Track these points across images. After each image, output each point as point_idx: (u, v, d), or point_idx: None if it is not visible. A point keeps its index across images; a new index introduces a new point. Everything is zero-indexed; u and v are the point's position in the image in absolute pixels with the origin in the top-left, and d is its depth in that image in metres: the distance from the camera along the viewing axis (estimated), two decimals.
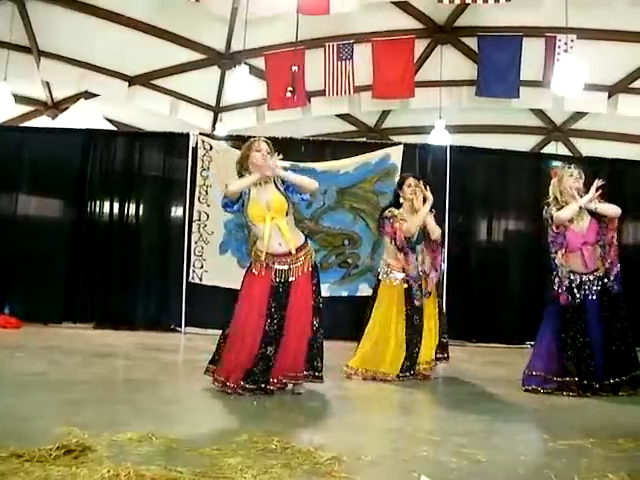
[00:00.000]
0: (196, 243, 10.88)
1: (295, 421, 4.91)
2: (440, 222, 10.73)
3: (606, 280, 6.61)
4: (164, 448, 3.86)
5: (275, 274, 5.85)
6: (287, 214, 5.98)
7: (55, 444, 3.65)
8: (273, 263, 5.87)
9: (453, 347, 10.53)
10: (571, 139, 18.30)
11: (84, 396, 5.44)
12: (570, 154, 16.83)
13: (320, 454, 3.80)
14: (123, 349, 8.76)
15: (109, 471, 3.33)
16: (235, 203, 5.96)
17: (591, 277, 6.59)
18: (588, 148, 16.84)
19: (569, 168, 6.73)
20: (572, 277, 6.60)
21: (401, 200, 7.25)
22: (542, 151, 17.52)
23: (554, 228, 6.65)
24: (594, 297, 6.56)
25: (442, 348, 7.45)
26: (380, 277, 7.32)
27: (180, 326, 10.79)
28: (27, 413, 4.66)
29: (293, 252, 5.89)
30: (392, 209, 7.22)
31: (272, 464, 3.61)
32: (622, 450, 4.22)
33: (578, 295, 6.56)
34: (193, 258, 10.85)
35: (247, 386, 5.65)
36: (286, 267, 5.87)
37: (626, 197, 11.74)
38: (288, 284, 5.85)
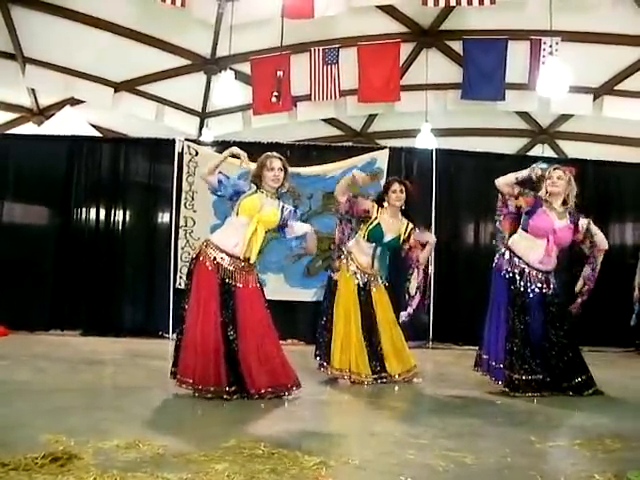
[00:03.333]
0: (182, 249, 10.88)
1: (282, 426, 4.90)
2: (427, 225, 10.86)
3: (552, 285, 6.61)
4: (151, 455, 3.85)
5: (221, 271, 5.86)
6: (267, 232, 6.10)
7: (41, 452, 3.65)
8: (222, 259, 5.88)
9: (439, 350, 10.65)
10: (557, 141, 18.33)
11: (70, 404, 5.42)
12: (556, 156, 16.85)
13: (307, 459, 3.80)
14: (110, 356, 8.73)
15: (95, 478, 3.33)
16: (229, 190, 5.99)
17: (540, 275, 6.56)
18: (574, 150, 16.86)
19: (554, 170, 6.70)
20: (516, 261, 6.58)
21: (385, 204, 7.24)
22: (528, 154, 17.54)
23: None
24: (535, 294, 6.53)
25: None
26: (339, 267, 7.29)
27: (168, 332, 10.75)
28: (12, 421, 4.64)
29: (244, 257, 5.92)
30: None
31: (259, 469, 3.61)
32: (609, 451, 4.23)
33: (521, 284, 6.55)
34: (180, 264, 10.82)
35: (225, 389, 5.71)
36: (232, 268, 5.88)
37: (611, 198, 11.85)
38: (232, 286, 5.87)
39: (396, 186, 7.23)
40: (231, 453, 3.90)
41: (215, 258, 5.87)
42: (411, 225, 7.30)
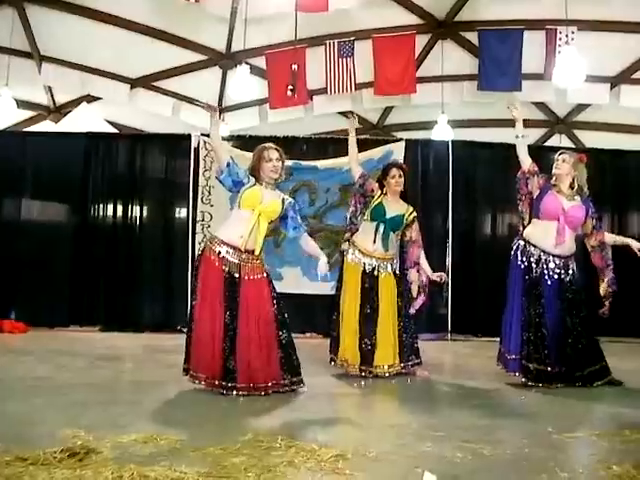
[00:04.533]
0: (200, 244, 10.87)
1: (299, 419, 4.91)
2: (444, 217, 10.82)
3: (573, 268, 6.59)
4: (168, 449, 3.86)
5: (226, 264, 5.84)
6: (271, 222, 6.10)
7: (59, 447, 3.66)
8: (227, 252, 5.86)
9: (459, 342, 10.63)
10: (574, 131, 18.22)
11: (89, 399, 5.45)
12: (574, 146, 16.74)
13: (324, 451, 3.80)
14: (129, 351, 8.78)
15: (113, 473, 3.34)
16: (228, 178, 5.98)
17: (558, 261, 6.53)
18: (592, 140, 16.77)
19: (559, 154, 6.73)
20: (532, 250, 6.57)
21: (385, 189, 7.22)
22: (545, 144, 17.44)
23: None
24: (554, 280, 6.51)
25: (416, 353, 7.21)
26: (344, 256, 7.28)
27: (186, 327, 10.78)
28: (31, 417, 4.68)
29: (250, 249, 5.90)
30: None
31: (276, 462, 3.62)
32: (627, 442, 4.21)
33: (536, 271, 6.53)
34: None
35: (229, 384, 5.69)
36: (236, 261, 5.85)
37: (629, 187, 11.77)
38: (238, 279, 5.83)
39: (395, 171, 7.21)
40: (248, 446, 3.91)
41: (220, 252, 5.84)
42: (414, 212, 7.29)
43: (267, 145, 6.15)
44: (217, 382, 5.72)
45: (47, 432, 4.14)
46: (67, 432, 4.06)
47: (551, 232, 6.51)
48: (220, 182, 6.15)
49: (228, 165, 5.95)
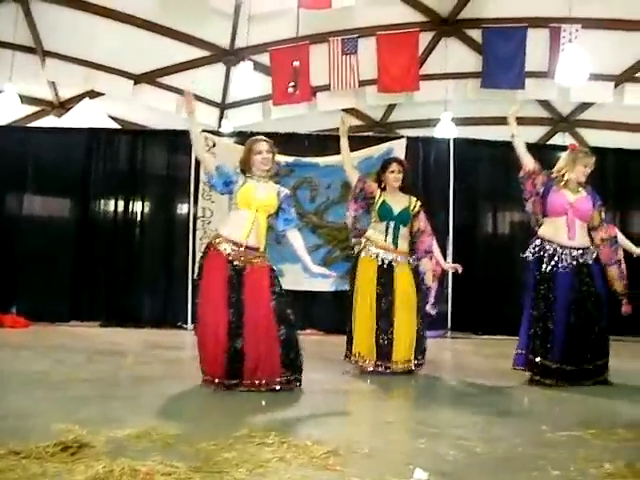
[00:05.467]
0: (201, 240, 10.93)
1: (294, 415, 4.92)
2: (445, 214, 10.83)
3: (590, 260, 6.57)
4: (162, 444, 3.86)
5: (229, 262, 5.82)
6: (269, 216, 6.05)
7: (53, 441, 3.66)
8: (231, 250, 5.84)
9: (459, 340, 10.63)
10: (578, 130, 18.21)
11: (86, 393, 5.46)
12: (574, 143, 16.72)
13: (317, 448, 3.79)
14: (128, 347, 8.78)
15: (104, 467, 3.33)
16: (219, 181, 5.98)
17: (574, 252, 6.51)
18: (595, 138, 16.77)
19: (589, 156, 6.69)
20: (547, 246, 6.56)
21: (384, 185, 7.22)
22: (549, 142, 17.43)
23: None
24: (567, 272, 6.48)
25: (423, 353, 7.18)
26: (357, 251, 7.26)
27: (186, 323, 10.83)
28: (28, 411, 4.68)
29: (255, 247, 5.89)
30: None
31: (268, 458, 3.61)
32: (621, 440, 4.21)
33: (550, 265, 6.51)
34: (198, 255, 10.85)
35: (231, 382, 5.70)
36: (242, 258, 5.84)
37: (632, 187, 11.76)
38: (241, 276, 5.82)
39: (394, 166, 7.20)
40: (241, 442, 3.91)
41: (226, 249, 5.85)
42: (419, 202, 7.27)
43: (257, 137, 6.17)
44: (220, 381, 5.71)
45: (42, 426, 4.13)
46: (61, 426, 4.05)
47: (562, 227, 6.52)
48: (212, 187, 6.17)
49: (217, 168, 5.98)
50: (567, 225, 6.50)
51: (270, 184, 6.12)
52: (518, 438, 4.23)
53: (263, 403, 5.27)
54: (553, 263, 6.47)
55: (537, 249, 6.57)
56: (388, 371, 6.91)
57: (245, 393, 5.58)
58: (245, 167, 6.06)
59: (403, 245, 7.16)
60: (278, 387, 5.71)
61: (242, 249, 5.84)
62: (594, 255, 6.60)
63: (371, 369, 6.92)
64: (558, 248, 6.50)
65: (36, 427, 4.15)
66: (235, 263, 5.81)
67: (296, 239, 6.30)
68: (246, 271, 5.83)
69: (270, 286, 5.90)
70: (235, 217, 5.98)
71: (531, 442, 4.14)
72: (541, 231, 6.65)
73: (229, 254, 5.82)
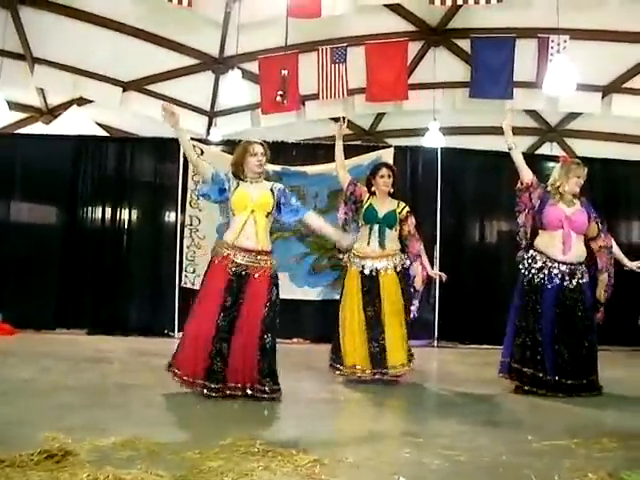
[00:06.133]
0: (188, 248, 10.93)
1: (279, 424, 4.93)
2: (432, 223, 10.85)
3: (580, 276, 6.58)
4: (146, 452, 3.86)
5: (232, 265, 5.83)
6: (268, 215, 6.02)
7: (37, 449, 3.65)
8: (234, 255, 5.85)
9: (445, 349, 10.64)
10: (566, 139, 18.28)
11: (71, 402, 5.45)
12: (564, 154, 16.79)
13: (302, 457, 3.81)
14: (115, 354, 8.75)
15: (89, 475, 3.35)
16: (214, 188, 5.98)
17: (563, 267, 6.54)
18: (583, 148, 16.82)
19: (581, 167, 6.71)
20: (537, 258, 6.58)
21: (374, 189, 7.25)
22: (537, 152, 17.49)
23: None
24: (554, 287, 6.49)
25: (410, 358, 7.17)
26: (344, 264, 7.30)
27: (173, 331, 10.80)
28: (12, 419, 4.67)
29: (257, 249, 5.89)
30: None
31: (253, 467, 3.62)
32: (605, 450, 4.23)
33: (538, 278, 6.53)
34: (185, 263, 10.90)
35: (211, 385, 5.68)
36: (244, 262, 5.84)
37: (619, 197, 11.82)
38: (243, 281, 5.82)
39: (384, 171, 7.26)
40: (227, 451, 3.91)
41: (229, 255, 5.85)
42: (407, 207, 7.28)
43: (251, 140, 6.20)
44: (198, 381, 5.71)
45: (27, 434, 4.13)
46: (46, 434, 4.06)
47: (557, 240, 6.55)
48: (205, 197, 6.18)
49: (213, 176, 5.98)
50: (563, 239, 6.53)
51: (263, 183, 6.14)
52: (503, 447, 4.25)
53: (265, 413, 5.28)
54: (542, 276, 6.50)
55: (529, 260, 6.61)
56: (386, 377, 6.93)
57: (230, 402, 5.57)
58: (238, 169, 6.06)
59: (392, 246, 7.18)
60: (259, 394, 5.70)
61: (247, 253, 5.86)
62: (585, 272, 6.62)
63: (369, 378, 6.93)
64: (548, 262, 6.53)
65: (21, 435, 4.15)
66: (237, 269, 5.82)
67: (313, 220, 6.33)
68: (249, 278, 5.83)
69: (267, 294, 5.90)
70: (235, 222, 5.97)
71: (515, 451, 4.16)
72: (536, 241, 6.69)
73: (232, 259, 5.83)
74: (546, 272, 6.50)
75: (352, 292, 7.11)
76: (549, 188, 6.68)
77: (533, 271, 6.54)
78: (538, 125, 17.94)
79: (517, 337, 6.56)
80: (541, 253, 6.58)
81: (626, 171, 11.93)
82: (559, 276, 6.49)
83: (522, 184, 6.72)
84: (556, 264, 6.52)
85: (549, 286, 6.49)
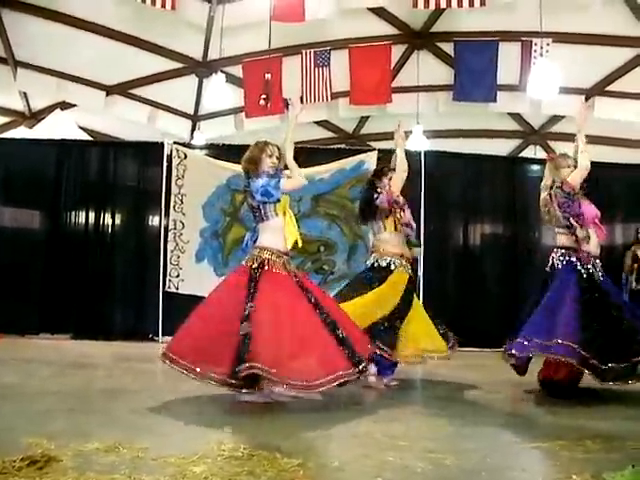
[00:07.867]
0: (172, 252, 10.92)
1: (264, 428, 4.90)
2: (415, 227, 10.86)
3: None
4: (130, 457, 3.83)
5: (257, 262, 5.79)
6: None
7: (20, 455, 3.63)
8: (270, 256, 5.82)
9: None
10: (549, 142, 18.34)
11: (55, 407, 5.41)
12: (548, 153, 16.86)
13: (286, 461, 3.78)
14: (99, 359, 8.74)
15: None
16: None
17: (597, 261, 6.56)
18: (566, 151, 16.79)
19: (567, 156, 6.81)
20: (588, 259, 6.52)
21: (379, 190, 7.22)
22: (520, 155, 17.57)
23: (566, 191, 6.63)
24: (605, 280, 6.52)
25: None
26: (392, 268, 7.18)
27: (158, 335, 10.78)
28: None
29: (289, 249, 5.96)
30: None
31: (237, 472, 3.60)
32: (589, 452, 4.22)
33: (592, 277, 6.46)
34: (169, 267, 10.89)
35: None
36: (280, 262, 5.83)
37: (602, 200, 11.82)
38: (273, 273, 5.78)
39: (392, 174, 7.44)
40: (210, 455, 3.89)
41: (260, 257, 5.82)
42: None
43: (269, 141, 6.22)
44: (206, 371, 5.45)
45: (10, 440, 4.10)
46: (29, 440, 4.03)
47: (593, 239, 6.59)
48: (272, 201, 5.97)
49: (268, 194, 5.91)
50: (596, 234, 6.64)
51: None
52: (488, 449, 4.25)
53: (234, 414, 5.26)
54: (591, 271, 6.47)
55: (579, 261, 6.53)
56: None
57: (217, 407, 5.55)
58: (253, 167, 6.02)
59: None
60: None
61: (282, 256, 5.89)
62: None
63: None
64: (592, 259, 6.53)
65: (4, 441, 4.11)
66: (264, 263, 5.78)
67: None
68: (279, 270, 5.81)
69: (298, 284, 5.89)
70: (279, 225, 5.97)
71: (501, 454, 4.17)
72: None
73: (263, 259, 5.81)
74: (593, 270, 6.49)
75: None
76: (568, 189, 6.63)
77: (585, 271, 6.47)
78: (521, 128, 18.03)
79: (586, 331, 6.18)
80: (588, 254, 6.53)
81: (609, 174, 11.96)
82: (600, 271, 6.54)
83: (571, 188, 6.66)
84: (597, 261, 6.60)
85: (604, 282, 6.50)
